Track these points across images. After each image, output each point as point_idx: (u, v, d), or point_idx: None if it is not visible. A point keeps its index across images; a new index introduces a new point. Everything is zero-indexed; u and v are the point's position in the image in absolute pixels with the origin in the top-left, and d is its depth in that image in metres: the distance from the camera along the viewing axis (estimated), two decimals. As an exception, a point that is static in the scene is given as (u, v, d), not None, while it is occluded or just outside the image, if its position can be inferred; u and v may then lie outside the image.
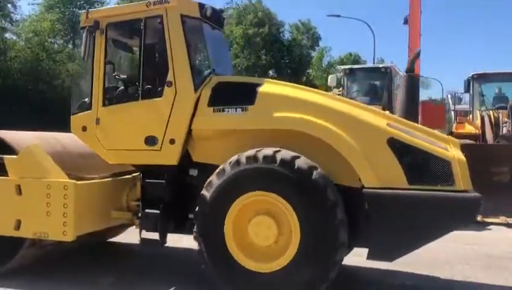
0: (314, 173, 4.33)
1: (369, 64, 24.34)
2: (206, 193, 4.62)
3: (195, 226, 4.69)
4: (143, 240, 5.14)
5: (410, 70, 5.09)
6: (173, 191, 5.13)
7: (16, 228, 5.08)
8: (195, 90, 5.07)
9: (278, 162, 4.38)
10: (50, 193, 4.96)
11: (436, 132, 4.74)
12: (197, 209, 4.66)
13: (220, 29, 5.88)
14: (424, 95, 35.88)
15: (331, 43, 65.90)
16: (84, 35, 5.32)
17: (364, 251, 4.54)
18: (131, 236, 5.88)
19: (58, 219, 4.90)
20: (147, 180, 5.21)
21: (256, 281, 4.43)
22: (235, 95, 5.02)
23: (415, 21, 16.81)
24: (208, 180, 4.67)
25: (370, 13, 76.13)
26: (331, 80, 13.89)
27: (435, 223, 4.18)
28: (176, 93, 5.05)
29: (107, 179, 5.51)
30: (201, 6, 5.40)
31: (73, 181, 4.97)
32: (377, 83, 13.48)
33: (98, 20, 5.39)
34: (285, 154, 4.42)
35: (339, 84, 14.12)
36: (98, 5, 34.03)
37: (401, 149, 4.37)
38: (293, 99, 4.83)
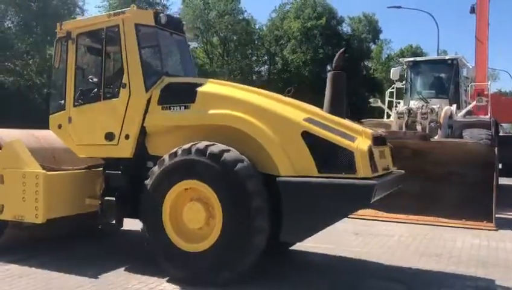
0: (238, 165, 4.96)
1: (435, 56, 22.76)
2: (148, 180, 5.29)
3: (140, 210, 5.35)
4: (103, 223, 5.89)
5: (338, 67, 5.51)
6: (129, 181, 5.89)
7: (0, 212, 5.98)
8: (147, 90, 5.82)
9: (207, 154, 4.99)
10: (25, 181, 5.93)
11: (353, 125, 5.21)
12: (144, 187, 5.39)
13: (180, 34, 6.54)
14: (493, 87, 34.59)
15: (391, 36, 64.57)
16: (56, 44, 6.16)
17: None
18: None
19: (31, 204, 5.86)
20: (107, 171, 5.98)
21: (188, 260, 5.11)
22: (180, 94, 5.75)
23: (482, 10, 16.52)
24: (151, 169, 5.34)
25: (432, 3, 73.37)
26: (394, 73, 13.73)
27: (333, 206, 4.66)
28: (129, 94, 5.84)
29: (78, 171, 6.32)
30: (156, 15, 6.11)
31: (44, 171, 5.89)
32: (443, 75, 13.37)
33: (70, 31, 6.25)
34: (214, 148, 5.11)
35: (402, 78, 14.10)
36: (158, 6, 35.35)
37: (312, 141, 4.91)
38: (225, 97, 5.48)
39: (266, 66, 50.71)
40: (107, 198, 5.96)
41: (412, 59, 14.05)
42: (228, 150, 5.10)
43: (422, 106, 12.13)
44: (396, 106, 13.33)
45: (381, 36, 51.51)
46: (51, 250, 6.53)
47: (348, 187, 4.63)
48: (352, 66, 45.48)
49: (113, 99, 6.05)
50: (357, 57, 47.39)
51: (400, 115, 12.19)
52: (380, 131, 6.23)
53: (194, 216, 5.23)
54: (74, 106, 6.32)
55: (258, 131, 5.14)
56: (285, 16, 49.00)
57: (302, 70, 44.50)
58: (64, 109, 6.37)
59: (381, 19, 62.70)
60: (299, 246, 6.42)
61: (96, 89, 6.27)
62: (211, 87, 5.77)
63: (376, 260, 6.33)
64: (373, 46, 51.55)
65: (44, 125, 6.84)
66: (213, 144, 5.18)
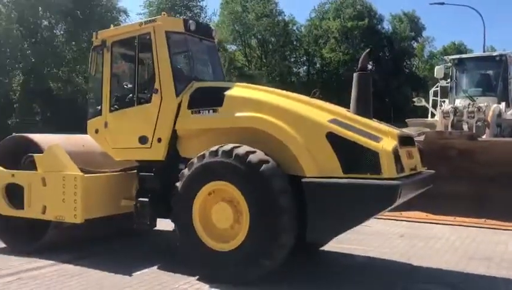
0: (263, 165, 5.04)
1: (481, 53, 21.86)
2: (179, 183, 5.47)
3: (171, 199, 5.60)
4: (137, 223, 6.12)
5: (363, 68, 5.49)
6: (161, 182, 6.08)
7: (43, 213, 6.39)
8: (177, 95, 6.00)
9: (233, 156, 5.10)
10: (65, 183, 6.25)
11: (379, 125, 5.21)
12: (174, 189, 5.58)
13: (209, 40, 6.71)
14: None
15: (433, 33, 62.62)
16: (92, 53, 6.46)
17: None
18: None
19: (70, 205, 6.15)
20: (140, 174, 6.21)
21: (217, 259, 5.24)
22: (209, 98, 5.90)
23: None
24: (181, 172, 5.52)
25: (477, -2, 70.44)
26: (438, 71, 13.44)
27: (358, 207, 4.67)
28: (161, 99, 6.05)
29: (114, 173, 6.59)
30: (186, 22, 6.31)
31: (81, 174, 6.17)
32: (490, 72, 13.01)
33: (105, 39, 6.53)
34: (240, 149, 5.22)
35: (446, 76, 13.75)
36: (196, 9, 35.56)
37: (337, 142, 4.94)
38: (251, 100, 5.59)
39: (305, 67, 50.62)
40: (141, 199, 6.18)
41: (457, 56, 13.64)
42: (254, 152, 5.19)
43: (469, 104, 11.77)
44: (441, 105, 12.99)
45: (424, 33, 50.31)
46: (98, 251, 6.79)
47: (373, 188, 4.62)
48: (394, 65, 44.75)
49: (146, 104, 6.28)
50: (399, 55, 46.49)
51: (445, 115, 11.87)
52: (424, 131, 6.15)
53: (222, 216, 5.35)
54: (110, 111, 6.60)
55: (283, 133, 5.21)
56: (324, 16, 48.74)
57: (341, 70, 44.10)
58: (101, 115, 6.67)
59: (423, 16, 61.02)
60: (342, 248, 6.46)
61: (130, 95, 6.52)
62: (237, 90, 5.89)
63: (423, 264, 6.16)
64: (415, 44, 50.41)
65: None
66: (239, 146, 5.28)
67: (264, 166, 5.06)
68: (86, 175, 6.29)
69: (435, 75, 13.51)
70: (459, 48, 51.27)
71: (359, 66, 5.56)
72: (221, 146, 5.37)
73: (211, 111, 5.86)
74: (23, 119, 26.77)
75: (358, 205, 4.71)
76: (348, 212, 4.78)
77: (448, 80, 13.42)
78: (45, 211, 6.49)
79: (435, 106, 13.40)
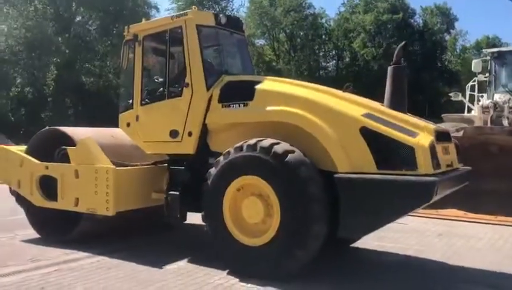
0: (301, 167, 4.96)
1: None
2: (213, 170, 5.49)
3: (202, 193, 5.56)
4: (167, 217, 6.13)
5: (398, 61, 5.33)
6: (192, 176, 6.06)
7: (75, 205, 6.49)
8: (208, 89, 5.95)
9: (271, 153, 5.03)
10: (97, 176, 6.30)
11: (415, 120, 5.06)
12: (208, 173, 5.54)
13: (239, 33, 6.64)
14: None
15: (466, 27, 60.37)
16: (123, 47, 6.49)
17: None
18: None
19: (102, 197, 6.20)
20: (171, 167, 6.21)
21: (248, 254, 5.17)
22: (239, 92, 5.85)
23: None
24: (216, 159, 5.47)
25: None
26: (476, 65, 12.95)
27: (393, 204, 4.53)
28: (192, 93, 6.02)
29: (145, 166, 6.61)
30: (216, 16, 6.27)
31: (113, 167, 6.21)
32: None
33: (137, 33, 6.54)
34: (279, 147, 5.13)
35: (484, 70, 13.25)
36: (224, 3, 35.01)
37: (371, 137, 4.81)
38: (283, 94, 5.50)
39: (334, 62, 50.04)
40: (171, 192, 6.18)
41: (496, 49, 13.09)
42: (292, 151, 5.07)
43: (510, 99, 11.32)
44: (478, 100, 12.54)
45: (457, 26, 48.88)
46: (132, 244, 6.80)
47: (409, 184, 4.47)
48: (426, 59, 43.69)
49: (177, 98, 6.26)
50: (431, 49, 45.36)
51: (485, 110, 11.43)
52: (462, 126, 5.94)
53: (252, 211, 5.30)
54: (141, 104, 6.62)
55: (315, 127, 5.10)
56: (353, 10, 48.01)
57: (373, 64, 43.37)
58: (132, 108, 6.69)
59: (455, 8, 59.05)
60: (378, 246, 6.31)
61: (161, 89, 6.52)
62: (268, 84, 5.80)
63: (464, 264, 5.93)
64: (447, 37, 49.12)
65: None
66: (277, 143, 5.17)
67: (289, 156, 4.97)
68: (117, 168, 6.34)
69: (473, 69, 13.01)
70: (493, 42, 49.63)
71: (394, 59, 5.39)
72: (260, 140, 5.29)
73: (241, 105, 5.79)
74: (56, 112, 27.41)
75: (393, 201, 4.57)
76: (381, 208, 4.65)
77: (487, 74, 12.91)
78: (78, 203, 6.57)
79: (471, 101, 12.95)
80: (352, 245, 6.52)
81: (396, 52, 5.42)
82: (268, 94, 5.64)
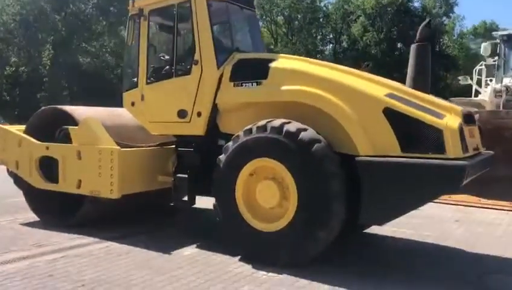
0: (315, 145, 4.69)
1: None
2: (222, 156, 5.14)
3: (213, 177, 5.29)
4: (175, 200, 5.85)
5: (421, 39, 5.02)
6: (201, 158, 5.78)
7: (78, 187, 6.20)
8: (218, 67, 5.61)
9: (283, 132, 4.74)
10: (101, 157, 5.99)
11: (440, 101, 4.74)
12: (218, 158, 5.26)
13: (250, 9, 6.29)
14: None
15: (463, 11, 59.51)
16: (128, 22, 6.11)
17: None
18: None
19: (107, 179, 5.90)
20: (179, 149, 5.91)
21: (261, 239, 4.94)
22: (252, 70, 5.53)
23: None
24: (225, 145, 5.18)
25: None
26: (485, 48, 12.68)
27: (421, 189, 4.26)
28: (201, 71, 5.69)
29: (151, 148, 6.31)
30: None
31: (118, 148, 5.91)
32: None
33: (142, 8, 6.17)
34: (291, 126, 4.86)
35: (494, 53, 12.92)
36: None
37: (396, 118, 4.53)
38: (300, 72, 5.18)
39: (331, 45, 49.45)
40: (179, 175, 5.89)
41: (506, 32, 12.70)
42: (305, 129, 4.82)
43: None
44: (487, 84, 12.23)
45: (456, 10, 48.35)
46: (140, 229, 6.47)
47: (438, 168, 4.20)
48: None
49: (185, 76, 5.92)
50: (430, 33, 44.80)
51: (497, 93, 11.13)
52: (473, 110, 5.66)
53: (267, 195, 5.03)
54: (147, 83, 6.28)
55: (335, 108, 4.80)
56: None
57: (372, 48, 42.83)
58: (137, 87, 6.35)
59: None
60: (394, 232, 6.07)
61: (168, 66, 6.17)
62: (283, 62, 5.48)
63: (491, 252, 5.65)
64: (446, 21, 48.58)
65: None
66: (289, 122, 4.92)
67: (316, 145, 4.69)
68: (122, 149, 6.02)
69: (481, 53, 12.71)
70: (490, 27, 49.23)
71: (417, 36, 5.08)
72: (270, 121, 5.01)
73: (254, 84, 5.47)
74: (52, 93, 26.85)
75: (420, 186, 4.30)
76: (407, 194, 4.38)
77: (495, 58, 12.58)
78: (80, 185, 6.26)
79: (478, 85, 12.65)
80: (367, 231, 6.27)
81: (420, 29, 5.10)
82: (284, 73, 5.31)
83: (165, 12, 6.26)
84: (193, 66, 5.82)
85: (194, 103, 5.81)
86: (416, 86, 4.95)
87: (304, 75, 5.17)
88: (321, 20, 47.76)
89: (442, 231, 6.62)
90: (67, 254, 5.27)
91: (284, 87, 5.20)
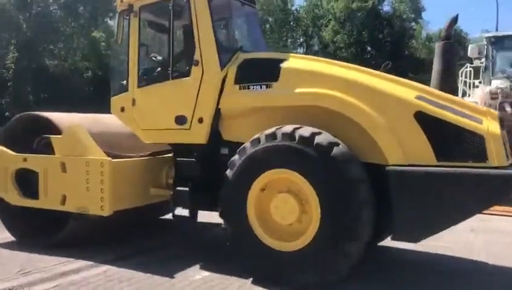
0: (334, 149, 4.21)
1: None
2: (229, 172, 4.60)
3: (220, 194, 4.76)
4: (175, 216, 5.26)
5: (447, 37, 4.62)
6: (204, 169, 5.23)
7: (62, 203, 5.52)
8: (222, 68, 5.05)
9: (296, 139, 4.24)
10: (89, 169, 5.32)
11: (472, 104, 4.31)
12: (225, 174, 4.72)
13: (251, 5, 5.76)
14: None
15: (428, 17, 60.17)
16: (118, 19, 5.47)
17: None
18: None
19: (96, 194, 5.25)
20: (178, 159, 5.32)
21: (280, 260, 4.44)
22: (260, 71, 5.02)
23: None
24: (231, 159, 4.64)
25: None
26: (472, 50, 12.45)
27: (463, 202, 3.82)
28: (202, 72, 5.13)
29: (144, 158, 5.69)
30: None
31: (109, 159, 5.26)
32: None
33: (132, 3, 5.55)
34: (304, 131, 4.37)
35: (481, 55, 12.56)
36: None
37: (429, 123, 4.10)
38: (317, 74, 4.70)
39: (303, 49, 49.38)
40: (179, 189, 5.29)
41: (493, 34, 12.60)
42: (319, 133, 4.34)
43: (511, 85, 10.87)
44: (476, 86, 12.06)
45: (425, 15, 49.27)
46: (138, 248, 5.79)
47: (482, 178, 3.79)
48: (394, 47, 43.63)
49: (184, 78, 5.34)
50: (400, 37, 45.39)
51: (493, 95, 10.92)
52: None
53: (284, 211, 4.50)
54: (138, 86, 5.65)
55: (359, 112, 4.33)
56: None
57: (342, 52, 42.88)
58: (127, 90, 5.71)
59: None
60: (405, 243, 5.55)
61: (163, 68, 5.57)
62: (297, 62, 4.97)
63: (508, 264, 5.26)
64: (415, 26, 49.35)
65: (90, 109, 6.25)
66: (300, 127, 4.43)
67: (335, 149, 4.21)
68: (114, 160, 5.37)
69: (469, 55, 12.55)
70: (455, 32, 50.47)
71: (443, 34, 4.69)
72: (279, 128, 4.49)
73: (263, 86, 4.94)
74: (16, 98, 25.42)
75: (462, 199, 3.87)
76: (447, 207, 3.94)
77: (483, 60, 12.46)
78: (65, 202, 5.56)
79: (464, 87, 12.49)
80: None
81: (446, 26, 4.71)
82: (298, 74, 4.81)
83: (159, 8, 5.66)
84: (193, 67, 5.24)
85: (195, 107, 5.24)
86: (443, 86, 4.54)
87: (322, 76, 4.67)
88: (291, 23, 47.63)
89: (458, 241, 6.17)
90: (61, 283, 4.53)
91: (298, 90, 4.69)
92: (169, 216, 7.11)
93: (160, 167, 5.87)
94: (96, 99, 23.12)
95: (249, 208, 4.58)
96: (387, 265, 5.27)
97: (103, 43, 25.41)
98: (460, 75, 12.83)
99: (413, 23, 48.25)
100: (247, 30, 5.94)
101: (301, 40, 49.31)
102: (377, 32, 43.68)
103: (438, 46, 4.66)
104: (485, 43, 12.34)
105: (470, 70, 12.47)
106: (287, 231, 4.50)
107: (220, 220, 4.85)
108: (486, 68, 12.22)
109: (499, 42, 12.14)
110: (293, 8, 47.98)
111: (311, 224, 4.30)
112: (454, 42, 4.69)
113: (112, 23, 28.98)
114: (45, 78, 23.67)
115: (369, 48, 43.63)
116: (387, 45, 43.45)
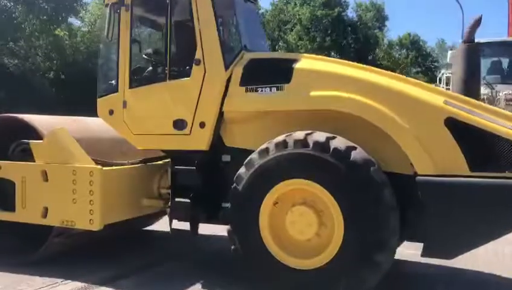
0: (353, 153, 3.88)
1: (503, 38, 21.26)
2: (235, 186, 4.18)
3: (227, 211, 4.30)
4: (173, 230, 4.75)
5: (470, 40, 4.35)
6: (205, 178, 4.75)
7: (43, 216, 4.94)
8: (226, 68, 4.57)
9: (311, 145, 3.91)
10: (76, 179, 4.76)
11: (501, 110, 4.04)
12: (231, 190, 4.27)
13: (252, 2, 5.33)
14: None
15: (396, 23, 61.32)
16: (107, 12, 4.93)
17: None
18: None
19: (84, 207, 4.69)
20: (177, 167, 4.83)
21: (297, 279, 4.03)
22: (270, 72, 4.60)
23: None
24: (237, 173, 4.18)
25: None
26: (452, 56, 12.52)
27: (501, 216, 3.52)
28: (205, 72, 4.67)
29: (136, 165, 5.16)
30: None
31: (100, 167, 4.69)
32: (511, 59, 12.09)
33: (123, -4, 4.98)
34: (318, 136, 4.02)
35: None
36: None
37: (461, 130, 3.79)
38: (335, 75, 4.32)
39: (268, 54, 49.17)
40: (178, 199, 4.78)
41: (475, 42, 12.65)
42: (334, 137, 3.99)
43: (492, 92, 10.92)
44: None
45: (389, 23, 50.27)
46: (133, 266, 5.20)
47: None
48: (359, 54, 44.25)
49: (183, 79, 4.85)
50: (364, 44, 46.08)
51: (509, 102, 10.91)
52: None
53: (302, 225, 4.09)
54: (130, 87, 5.11)
55: (385, 119, 3.97)
56: (288, 1, 47.44)
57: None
58: (117, 91, 5.15)
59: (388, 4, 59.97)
60: (413, 256, 5.16)
61: (159, 67, 5.07)
62: (311, 63, 4.58)
63: None
64: (379, 34, 50.27)
65: (52, 111, 5.63)
66: (312, 132, 4.06)
67: (353, 152, 3.86)
68: (105, 168, 4.81)
69: (448, 61, 12.59)
70: (414, 39, 51.91)
71: (466, 36, 4.41)
72: (289, 135, 4.11)
73: (273, 88, 4.52)
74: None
75: (503, 212, 3.58)
76: (484, 222, 3.63)
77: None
78: (47, 215, 4.95)
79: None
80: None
81: (470, 28, 4.42)
82: (313, 75, 4.42)
83: (154, 2, 5.15)
84: (194, 66, 4.76)
85: (195, 111, 4.76)
86: (466, 92, 4.26)
87: (341, 78, 4.30)
88: (257, 27, 47.41)
89: (470, 253, 5.83)
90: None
91: (314, 93, 4.30)
92: (153, 227, 6.68)
93: (152, 175, 5.35)
94: (60, 102, 21.95)
95: (261, 226, 4.15)
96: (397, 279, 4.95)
97: (67, 41, 24.25)
98: (438, 81, 12.87)
99: (376, 30, 49.16)
100: (250, 28, 5.49)
101: (267, 43, 49.26)
102: (341, 39, 44.16)
103: (460, 49, 4.40)
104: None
105: (448, 77, 12.50)
106: (305, 247, 4.10)
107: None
108: None
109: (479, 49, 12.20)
110: (260, 12, 47.83)
111: (334, 236, 3.92)
112: (478, 44, 4.43)
113: (77, 21, 27.73)
114: (4, 77, 22.26)
115: (333, 54, 44.06)
116: (351, 51, 44.00)
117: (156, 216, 6.14)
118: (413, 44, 52.36)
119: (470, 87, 4.28)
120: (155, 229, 6.66)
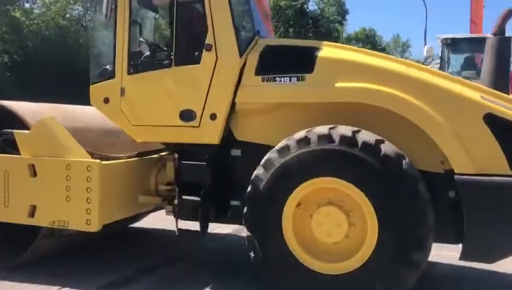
0: (382, 146, 3.62)
1: (478, 34, 21.61)
2: (255, 189, 3.82)
3: (244, 216, 3.84)
4: (181, 230, 4.31)
5: (501, 32, 4.17)
6: (215, 174, 4.31)
7: (30, 215, 4.39)
8: (241, 55, 4.16)
9: (337, 140, 3.61)
10: (70, 174, 4.23)
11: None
12: (248, 193, 3.88)
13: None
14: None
15: (356, 17, 62.29)
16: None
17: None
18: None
19: (80, 206, 4.19)
20: (184, 162, 4.36)
21: (334, 285, 3.72)
22: (289, 61, 4.22)
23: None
24: (254, 174, 3.79)
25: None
26: (428, 50, 12.61)
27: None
28: (216, 59, 4.23)
29: (133, 159, 4.65)
30: None
31: (98, 161, 4.17)
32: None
33: (121, -29, 4.46)
34: (343, 130, 3.73)
35: (436, 56, 12.87)
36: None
37: (501, 127, 3.57)
38: (363, 66, 4.04)
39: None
40: (186, 197, 4.35)
41: (449, 36, 12.73)
42: (359, 131, 3.73)
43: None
44: None
45: (350, 17, 50.91)
46: (133, 269, 4.73)
47: None
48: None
49: (192, 65, 4.39)
50: (325, 38, 46.38)
51: None
52: None
53: (330, 226, 3.78)
54: (129, 73, 4.59)
55: (421, 114, 3.71)
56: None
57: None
58: (114, 77, 4.62)
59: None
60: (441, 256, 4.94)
61: (164, 52, 4.59)
62: (334, 51, 4.25)
63: None
64: (339, 27, 50.74)
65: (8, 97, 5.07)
66: (335, 126, 3.77)
67: (404, 164, 3.58)
68: (104, 162, 4.30)
69: (425, 54, 12.64)
70: (369, 34, 53.00)
71: (497, 28, 4.21)
72: (310, 130, 3.81)
73: (293, 79, 4.15)
74: None
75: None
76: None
77: (438, 61, 12.59)
78: (34, 214, 4.38)
79: None
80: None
81: (501, 20, 4.22)
82: (338, 65, 4.09)
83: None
84: (204, 52, 4.31)
85: (205, 101, 4.33)
86: (496, 86, 4.08)
87: (370, 69, 3.99)
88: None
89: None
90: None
91: (340, 84, 3.97)
92: (142, 225, 6.20)
93: (150, 170, 4.88)
94: (16, 87, 20.52)
95: (285, 230, 3.80)
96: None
97: (24, 25, 22.68)
98: None
99: (337, 24, 49.56)
100: (259, 12, 5.07)
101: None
102: (304, 31, 44.17)
103: (490, 42, 4.20)
104: (440, 44, 12.49)
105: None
106: (333, 251, 3.80)
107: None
108: (441, 69, 12.34)
109: (454, 44, 12.35)
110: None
111: (366, 237, 3.64)
112: (510, 38, 4.24)
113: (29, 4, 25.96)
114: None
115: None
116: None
117: (142, 214, 5.67)
118: (369, 38, 53.45)
119: (501, 81, 4.09)
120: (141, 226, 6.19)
